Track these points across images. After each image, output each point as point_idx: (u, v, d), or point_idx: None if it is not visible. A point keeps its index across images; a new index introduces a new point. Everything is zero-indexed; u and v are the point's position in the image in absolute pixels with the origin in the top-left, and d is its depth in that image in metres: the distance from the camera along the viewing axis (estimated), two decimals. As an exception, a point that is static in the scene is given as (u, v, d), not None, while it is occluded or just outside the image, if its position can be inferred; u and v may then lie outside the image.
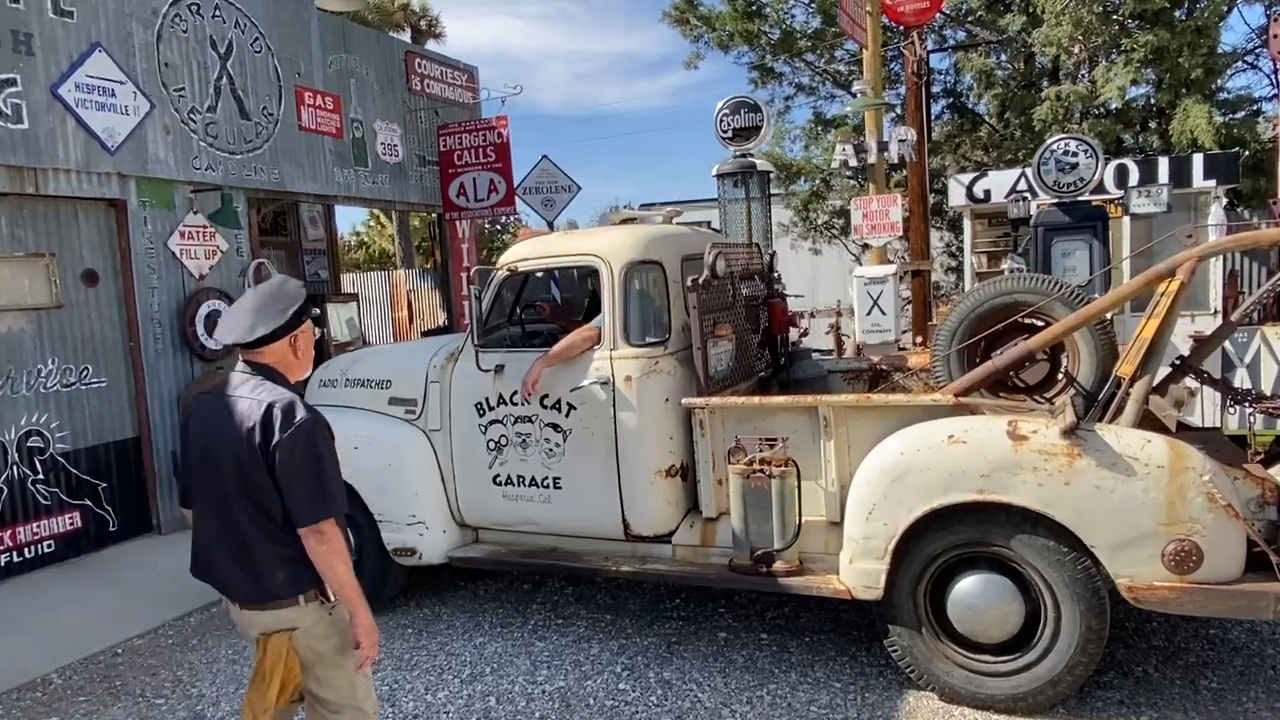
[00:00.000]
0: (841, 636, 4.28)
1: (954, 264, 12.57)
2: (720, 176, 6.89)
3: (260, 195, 7.89)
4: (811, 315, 10.63)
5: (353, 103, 8.97)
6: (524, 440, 4.28)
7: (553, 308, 4.97)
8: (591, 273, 4.23)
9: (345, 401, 4.95)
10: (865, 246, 8.93)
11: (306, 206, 11.40)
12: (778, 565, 3.79)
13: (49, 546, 6.01)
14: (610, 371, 4.07)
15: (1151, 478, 3.11)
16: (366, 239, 26.97)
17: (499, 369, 4.34)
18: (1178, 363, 3.98)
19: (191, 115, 7.09)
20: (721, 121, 6.86)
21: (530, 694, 3.84)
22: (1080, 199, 6.49)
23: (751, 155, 7.00)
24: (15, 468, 5.85)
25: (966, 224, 9.03)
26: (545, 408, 4.22)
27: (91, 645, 4.66)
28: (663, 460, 4.08)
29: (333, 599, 2.34)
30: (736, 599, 4.78)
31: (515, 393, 4.29)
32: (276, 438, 2.22)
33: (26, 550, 5.88)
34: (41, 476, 5.98)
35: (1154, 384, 3.61)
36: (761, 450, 3.86)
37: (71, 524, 6.16)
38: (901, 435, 3.50)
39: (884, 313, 6.53)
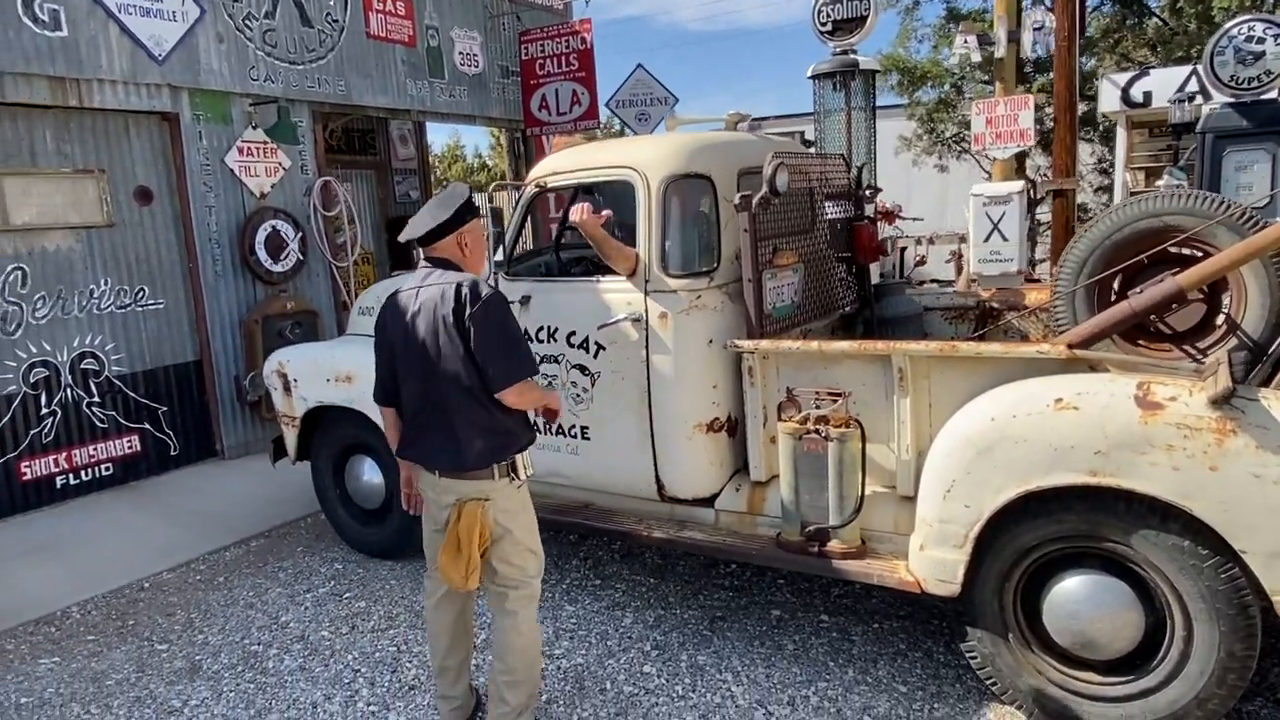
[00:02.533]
0: (918, 626, 3.72)
1: (1105, 183, 11.18)
2: (816, 78, 6.05)
3: (325, 109, 7.60)
4: (930, 241, 9.71)
5: (427, 8, 8.50)
6: (550, 383, 3.91)
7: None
8: (627, 189, 3.64)
9: (376, 332, 4.68)
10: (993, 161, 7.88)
11: (397, 124, 11.22)
12: (832, 544, 3.30)
13: (107, 469, 6.06)
14: (643, 306, 3.61)
15: None
16: (489, 160, 27.11)
17: (525, 300, 3.94)
18: None
19: (247, 22, 6.80)
20: (820, 12, 5.98)
21: (544, 670, 3.46)
22: (1263, 98, 5.32)
23: (855, 53, 6.11)
24: (69, 390, 5.88)
25: (1120, 134, 7.81)
26: (572, 346, 3.82)
27: (120, 578, 4.61)
28: (704, 412, 3.60)
29: (522, 477, 2.75)
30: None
31: (541, 329, 3.91)
32: (469, 310, 2.60)
33: (83, 473, 5.95)
34: (97, 399, 6.01)
35: None
36: (820, 406, 3.28)
37: (130, 447, 6.19)
38: (995, 395, 2.92)
39: (1005, 238, 5.65)
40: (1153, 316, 3.36)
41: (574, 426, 3.87)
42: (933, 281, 9.80)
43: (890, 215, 9.96)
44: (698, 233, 3.73)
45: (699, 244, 3.71)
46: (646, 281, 3.61)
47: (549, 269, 4.17)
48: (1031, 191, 11.89)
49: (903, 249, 9.69)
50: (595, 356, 3.75)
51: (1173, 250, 3.37)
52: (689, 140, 3.79)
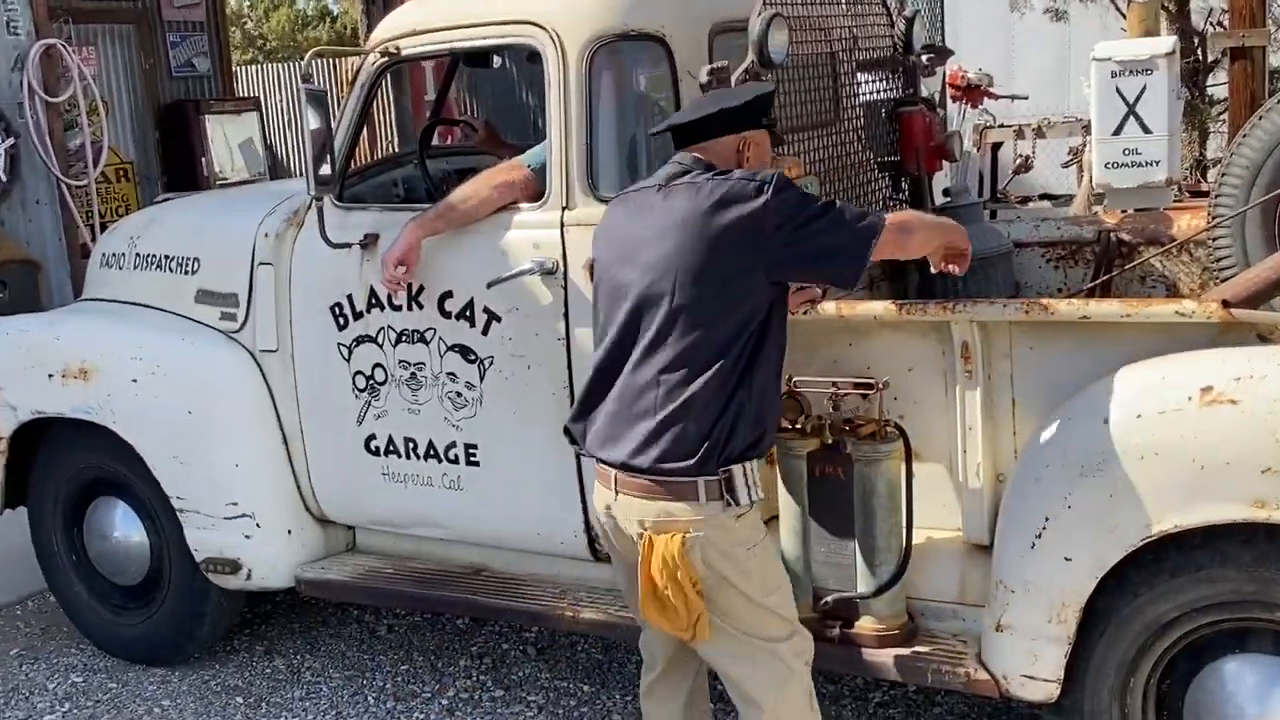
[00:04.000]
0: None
1: (1316, 35, 11.35)
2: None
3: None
4: (1039, 133, 9.82)
5: None
6: (414, 374, 3.99)
7: (486, 130, 4.64)
8: (531, 59, 3.69)
9: (130, 295, 4.77)
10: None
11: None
12: (863, 624, 3.40)
13: None
14: (560, 250, 3.67)
15: None
16: (333, 4, 26.95)
17: (369, 241, 3.97)
18: None
19: None
20: None
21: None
22: None
23: None
24: None
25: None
26: (447, 316, 3.88)
27: None
28: None
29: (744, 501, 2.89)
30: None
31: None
32: (766, 198, 2.83)
33: None
34: None
35: None
36: (839, 405, 3.35)
37: None
38: (1111, 385, 2.99)
39: (1148, 129, 5.67)
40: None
41: (452, 446, 3.92)
42: (1043, 197, 9.89)
43: (975, 92, 10.15)
44: (645, 130, 3.76)
45: (647, 148, 3.75)
46: (564, 209, 3.64)
47: (409, 190, 4.24)
48: (1199, 52, 12.07)
49: (996, 145, 9.77)
50: (485, 332, 3.79)
51: None
52: None
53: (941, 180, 6.12)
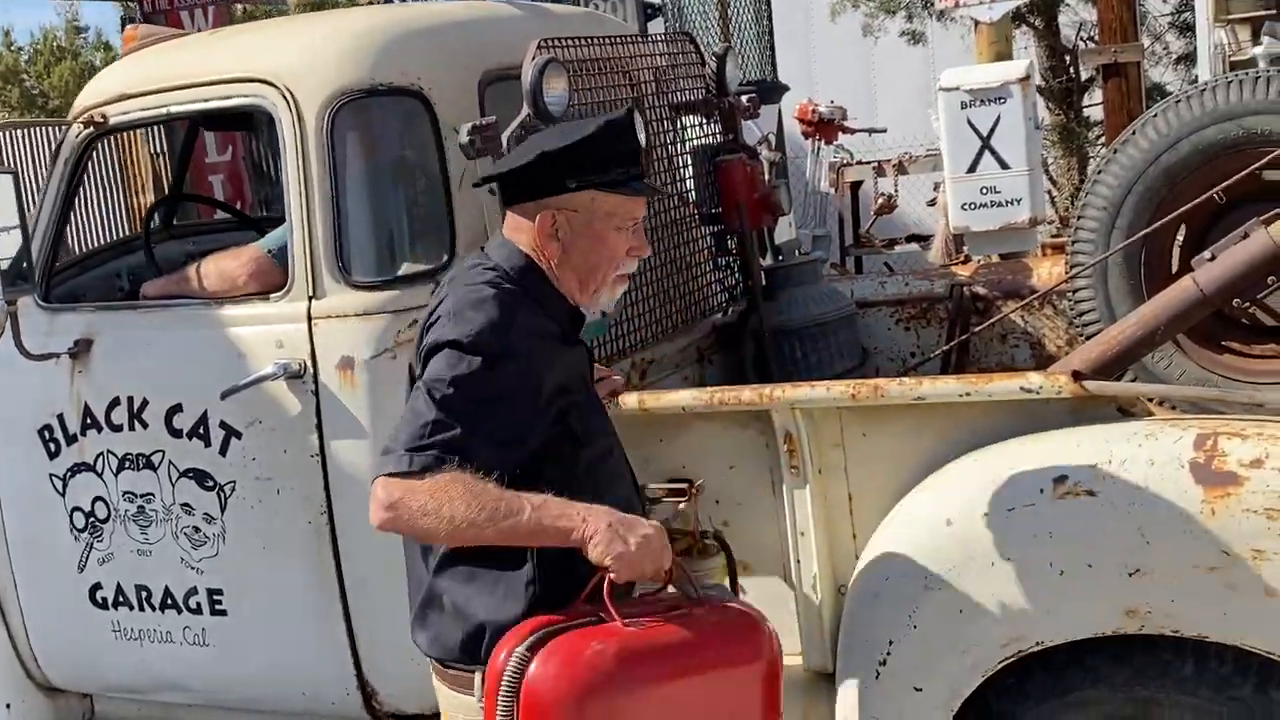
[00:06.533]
0: None
1: (1188, 48, 11.77)
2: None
3: None
4: (900, 169, 9.94)
5: None
6: (142, 509, 3.82)
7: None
8: (261, 122, 3.56)
9: None
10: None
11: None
12: None
13: None
14: (309, 348, 3.55)
15: None
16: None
17: (79, 349, 3.80)
18: None
19: None
20: None
21: None
22: None
23: None
24: None
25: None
26: (176, 435, 3.72)
27: None
28: None
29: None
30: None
31: (115, 404, 3.79)
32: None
33: None
34: None
35: None
36: (648, 514, 3.23)
37: None
38: (951, 478, 3.01)
39: (1005, 165, 5.74)
40: (1240, 300, 3.46)
41: (194, 592, 3.77)
42: (910, 239, 10.02)
43: (829, 127, 10.25)
44: (406, 199, 3.75)
45: (409, 221, 3.74)
46: (311, 298, 3.54)
47: (135, 282, 4.06)
48: (1071, 70, 12.43)
49: (855, 184, 9.88)
50: (223, 452, 3.66)
51: (1268, 178, 3.51)
52: (377, 23, 3.79)
53: (789, 231, 6.10)
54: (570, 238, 2.49)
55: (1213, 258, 3.26)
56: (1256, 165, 3.40)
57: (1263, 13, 8.65)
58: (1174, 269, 3.63)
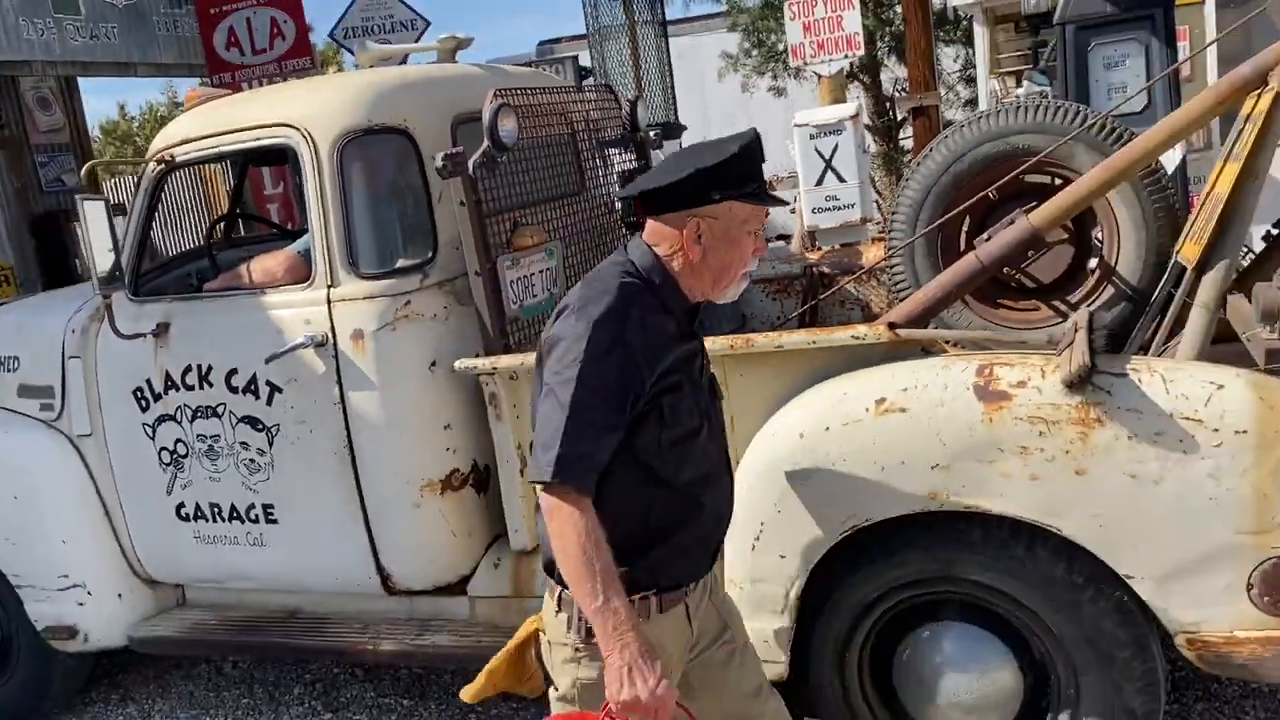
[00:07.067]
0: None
1: (972, 94, 11.74)
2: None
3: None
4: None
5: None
6: (211, 446, 3.62)
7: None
8: (288, 157, 3.37)
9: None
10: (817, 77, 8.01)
11: (32, 83, 10.37)
12: None
13: None
14: (329, 324, 3.37)
15: (1226, 453, 2.45)
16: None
17: (160, 330, 3.61)
18: (1275, 231, 3.30)
19: None
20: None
21: None
22: (1128, -26, 5.57)
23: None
24: None
25: (979, 31, 8.11)
26: (235, 391, 3.53)
27: None
28: (434, 465, 3.43)
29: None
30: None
31: (189, 370, 3.58)
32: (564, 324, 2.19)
33: None
34: None
35: (1234, 275, 2.97)
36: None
37: None
38: (803, 403, 2.87)
39: (842, 178, 5.66)
40: (1009, 269, 3.37)
41: (252, 507, 3.59)
42: (779, 238, 9.89)
43: (719, 157, 10.08)
44: (398, 211, 3.53)
45: (401, 228, 3.53)
46: (330, 287, 3.36)
47: (200, 280, 3.85)
48: (890, 112, 12.34)
49: (739, 200, 9.74)
50: (269, 403, 3.47)
51: (1034, 180, 3.40)
52: (373, 80, 3.57)
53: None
54: (710, 241, 2.17)
55: (989, 239, 3.15)
56: (1018, 171, 3.30)
57: (1023, 67, 8.60)
58: (961, 248, 3.54)
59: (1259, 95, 2.82)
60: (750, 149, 2.19)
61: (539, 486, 2.08)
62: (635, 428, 2.13)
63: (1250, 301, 2.88)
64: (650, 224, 2.21)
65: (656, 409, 2.15)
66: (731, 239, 2.18)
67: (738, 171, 2.16)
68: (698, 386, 2.28)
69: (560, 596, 2.18)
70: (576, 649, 2.17)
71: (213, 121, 3.56)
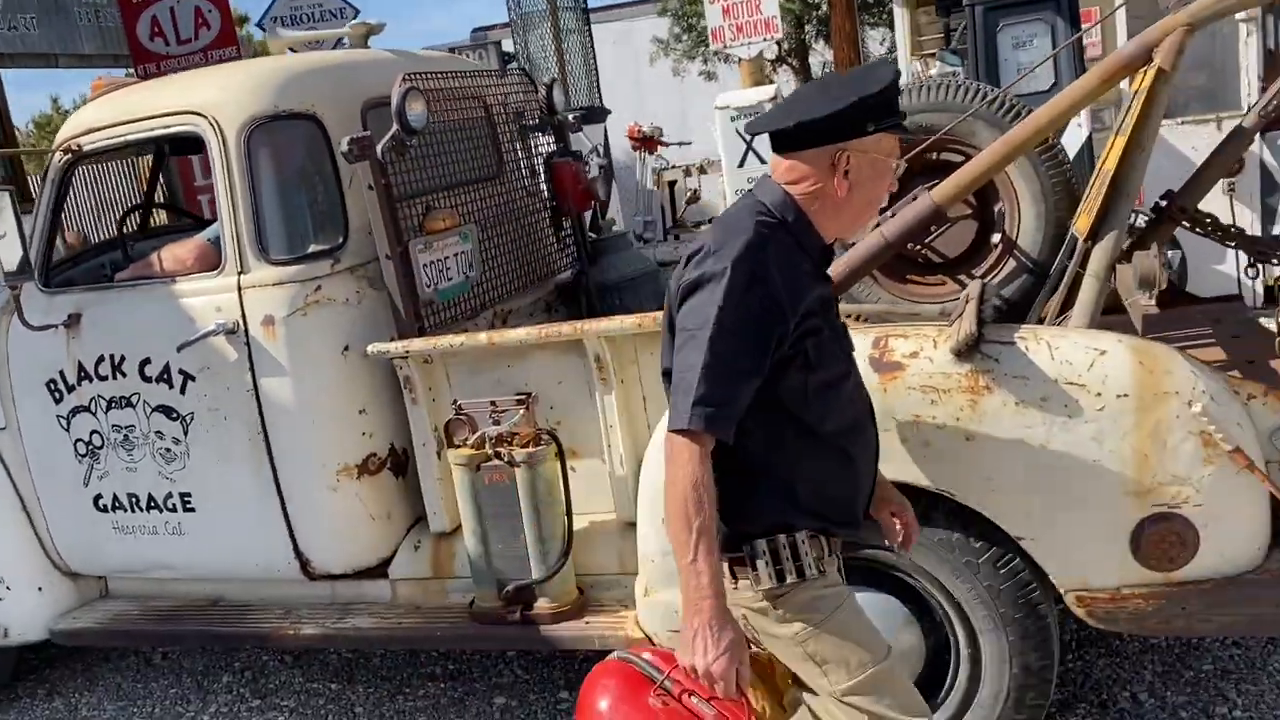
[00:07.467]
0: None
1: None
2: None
3: None
4: (702, 170, 9.86)
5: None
6: (126, 437, 3.59)
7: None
8: (198, 144, 3.33)
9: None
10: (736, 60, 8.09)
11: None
12: (540, 605, 3.19)
13: None
14: (240, 311, 3.35)
15: (1108, 415, 2.51)
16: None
17: (72, 321, 3.57)
18: (1164, 203, 3.42)
19: None
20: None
21: None
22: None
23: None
24: None
25: (898, 14, 8.19)
26: (148, 381, 3.49)
27: None
28: (350, 450, 3.42)
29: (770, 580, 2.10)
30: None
31: (101, 360, 3.54)
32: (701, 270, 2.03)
33: None
34: None
35: (1126, 245, 3.07)
36: (499, 420, 3.12)
37: None
38: None
39: (763, 160, 5.72)
40: (914, 244, 3.40)
41: (170, 496, 3.56)
42: (711, 220, 9.96)
43: (651, 142, 10.10)
44: (308, 197, 3.51)
45: (312, 213, 3.51)
46: (240, 274, 3.34)
47: (113, 271, 3.80)
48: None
49: (671, 183, 9.78)
50: (183, 392, 3.45)
51: (941, 158, 3.39)
52: (281, 66, 3.57)
53: (631, 217, 5.98)
54: (857, 176, 2.02)
55: (893, 215, 3.22)
56: (919, 148, 3.34)
57: (938, 50, 8.70)
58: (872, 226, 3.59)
59: (1144, 72, 2.90)
60: (897, 78, 2.08)
61: (670, 434, 1.96)
62: (778, 373, 2.01)
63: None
64: (785, 162, 2.07)
65: (801, 352, 2.02)
66: (879, 172, 2.06)
67: (886, 102, 2.03)
68: (837, 331, 2.18)
69: (731, 570, 2.07)
70: (775, 598, 2.07)
71: (120, 110, 3.51)
